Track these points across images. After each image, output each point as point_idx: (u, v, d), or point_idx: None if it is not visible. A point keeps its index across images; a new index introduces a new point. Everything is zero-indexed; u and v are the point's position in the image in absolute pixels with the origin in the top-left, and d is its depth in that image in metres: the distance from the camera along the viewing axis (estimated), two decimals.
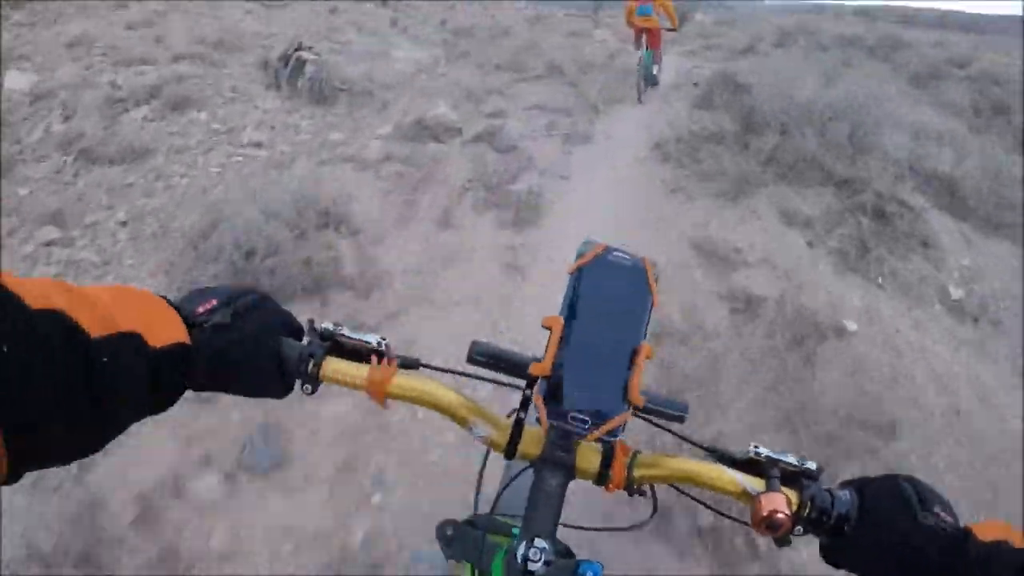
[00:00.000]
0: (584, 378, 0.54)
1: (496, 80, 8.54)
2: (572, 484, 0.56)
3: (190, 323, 0.49)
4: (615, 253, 0.59)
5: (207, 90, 7.25)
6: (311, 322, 0.58)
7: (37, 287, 0.36)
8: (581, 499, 0.91)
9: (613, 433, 0.53)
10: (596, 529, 0.69)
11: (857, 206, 3.72)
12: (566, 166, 5.08)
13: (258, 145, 6.22)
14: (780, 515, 0.49)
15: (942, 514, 0.48)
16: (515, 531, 0.60)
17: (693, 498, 0.66)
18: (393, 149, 5.39)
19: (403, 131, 5.90)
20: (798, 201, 3.92)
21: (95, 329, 0.38)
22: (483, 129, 5.77)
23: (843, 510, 0.50)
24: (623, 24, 7.88)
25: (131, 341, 0.41)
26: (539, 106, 6.66)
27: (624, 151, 5.51)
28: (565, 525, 0.59)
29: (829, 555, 0.52)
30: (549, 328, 0.55)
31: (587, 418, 0.53)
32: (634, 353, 0.55)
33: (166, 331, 0.45)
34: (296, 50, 7.94)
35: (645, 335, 0.56)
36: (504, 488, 0.69)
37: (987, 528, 0.46)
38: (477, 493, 0.72)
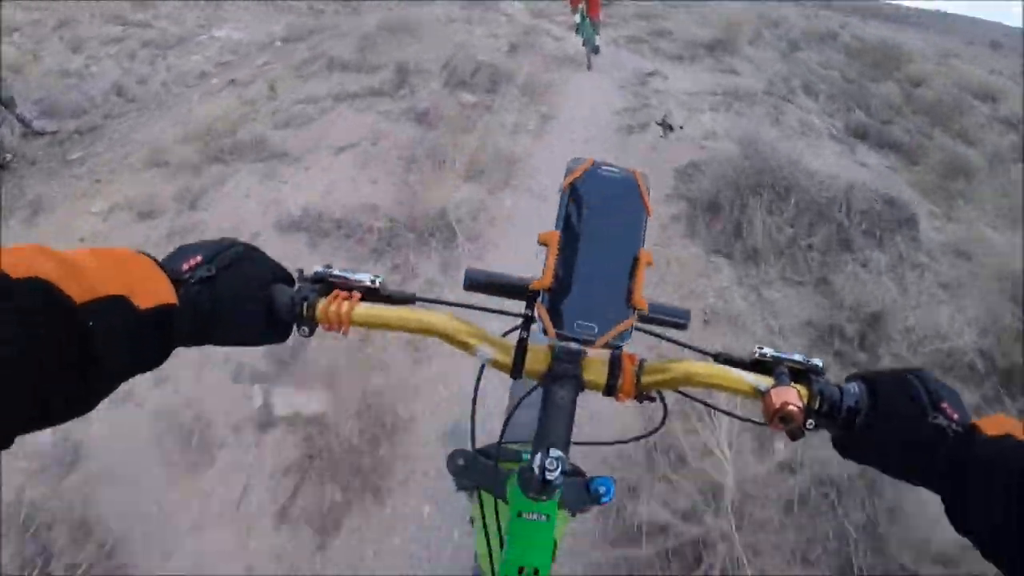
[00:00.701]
0: (586, 287, 0.53)
1: (308, 94, 4.33)
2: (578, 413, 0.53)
3: (176, 280, 0.47)
4: (604, 167, 0.57)
5: None
6: (300, 271, 0.56)
7: (19, 255, 0.36)
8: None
9: (620, 339, 0.51)
10: (609, 443, 0.70)
11: None
12: None
13: None
14: (792, 407, 0.48)
15: (949, 410, 0.47)
16: (524, 456, 0.61)
17: (703, 402, 0.65)
18: None
19: None
20: None
21: (80, 295, 0.37)
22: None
23: (852, 403, 0.50)
24: None
25: (117, 305, 0.40)
26: (312, 224, 2.50)
27: None
28: (576, 443, 0.59)
29: (842, 448, 0.52)
30: (546, 244, 0.53)
31: (593, 325, 0.51)
32: (634, 261, 0.53)
33: (152, 292, 0.43)
34: None
35: (643, 243, 0.54)
36: (511, 414, 0.68)
37: (992, 423, 0.46)
38: (473, 418, 0.66)
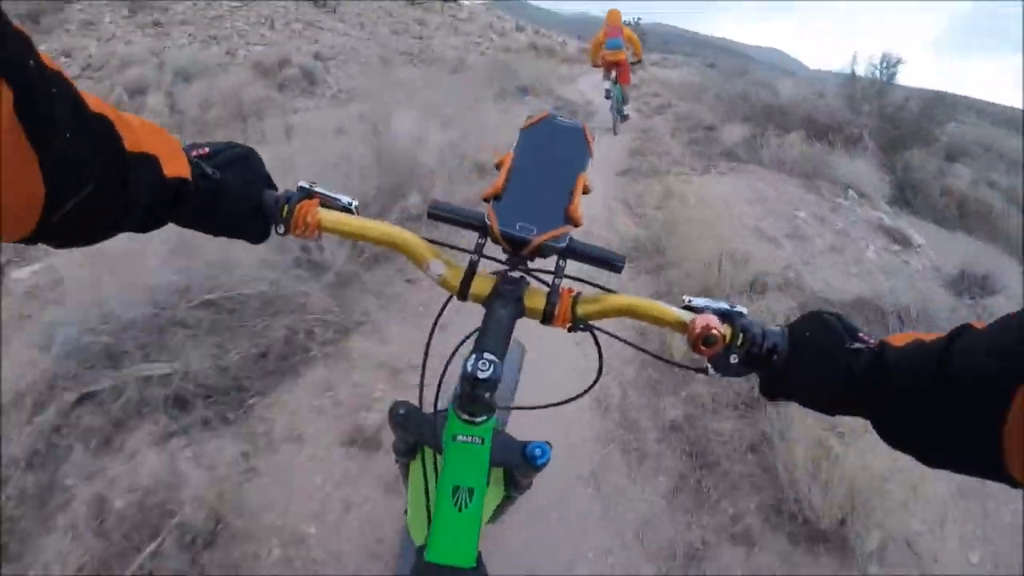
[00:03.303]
0: (530, 199, 0.59)
1: None
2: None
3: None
4: (558, 118, 0.65)
5: None
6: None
7: (92, 97, 0.40)
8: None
9: (555, 242, 0.57)
10: (550, 405, 0.71)
11: None
12: None
13: None
14: (714, 331, 0.53)
15: (865, 336, 0.51)
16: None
17: (633, 345, 0.69)
18: None
19: None
20: None
21: (130, 143, 0.43)
22: None
23: (772, 343, 0.53)
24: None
25: (152, 163, 0.46)
26: None
27: None
28: (516, 408, 0.75)
29: (767, 389, 0.56)
30: (500, 163, 0.60)
31: (533, 227, 0.57)
32: (573, 185, 0.59)
33: (175, 165, 0.49)
34: None
35: (584, 172, 0.61)
36: (444, 371, 0.69)
37: (900, 337, 0.49)
38: (423, 375, 0.68)
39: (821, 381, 0.51)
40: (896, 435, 0.47)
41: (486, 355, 0.53)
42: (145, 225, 0.50)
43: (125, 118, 0.44)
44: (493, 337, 0.56)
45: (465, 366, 0.53)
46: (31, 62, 0.32)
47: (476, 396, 0.54)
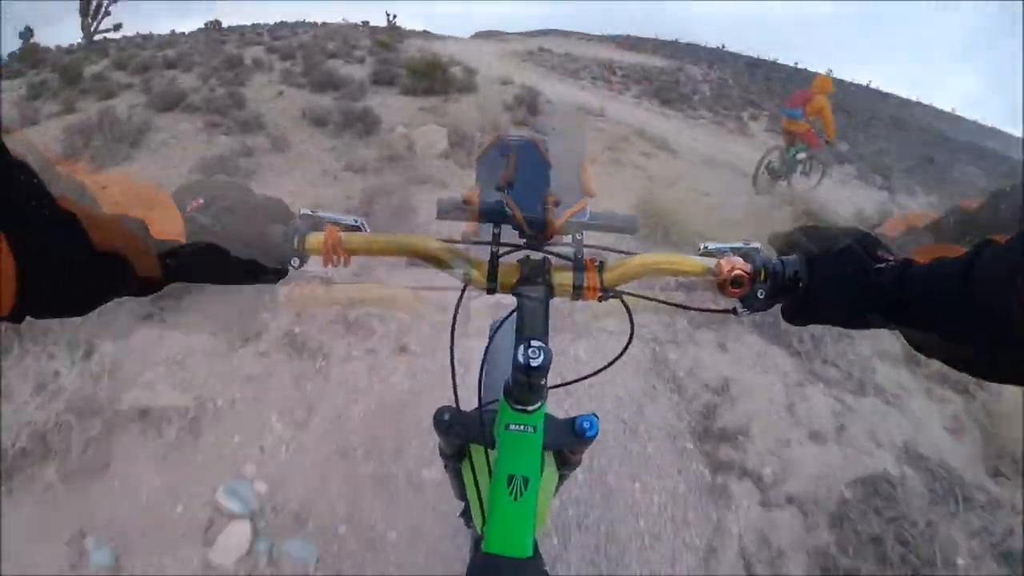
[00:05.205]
0: (542, 178, 0.60)
1: None
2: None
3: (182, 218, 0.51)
4: (509, 137, 0.64)
5: None
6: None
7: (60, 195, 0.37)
8: None
9: (578, 216, 0.58)
10: (586, 377, 0.72)
11: None
12: None
13: None
14: (739, 271, 0.53)
15: (885, 255, 0.50)
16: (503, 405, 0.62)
17: (662, 301, 0.68)
18: None
19: None
20: None
21: (97, 244, 0.40)
22: None
23: (793, 270, 0.53)
24: None
25: (120, 264, 0.43)
26: None
27: None
28: (556, 386, 0.68)
29: (791, 315, 0.55)
30: (508, 153, 0.61)
31: (552, 207, 0.58)
32: (580, 161, 0.62)
33: (166, 225, 0.47)
34: None
35: (586, 149, 0.64)
36: (484, 362, 0.70)
37: (924, 251, 0.48)
38: (453, 376, 0.68)
39: (847, 302, 0.50)
40: (927, 347, 0.49)
41: (533, 343, 0.52)
42: (141, 293, 0.47)
43: (95, 216, 0.40)
44: (533, 323, 0.56)
45: (516, 357, 0.52)
46: None
47: (532, 384, 0.54)
